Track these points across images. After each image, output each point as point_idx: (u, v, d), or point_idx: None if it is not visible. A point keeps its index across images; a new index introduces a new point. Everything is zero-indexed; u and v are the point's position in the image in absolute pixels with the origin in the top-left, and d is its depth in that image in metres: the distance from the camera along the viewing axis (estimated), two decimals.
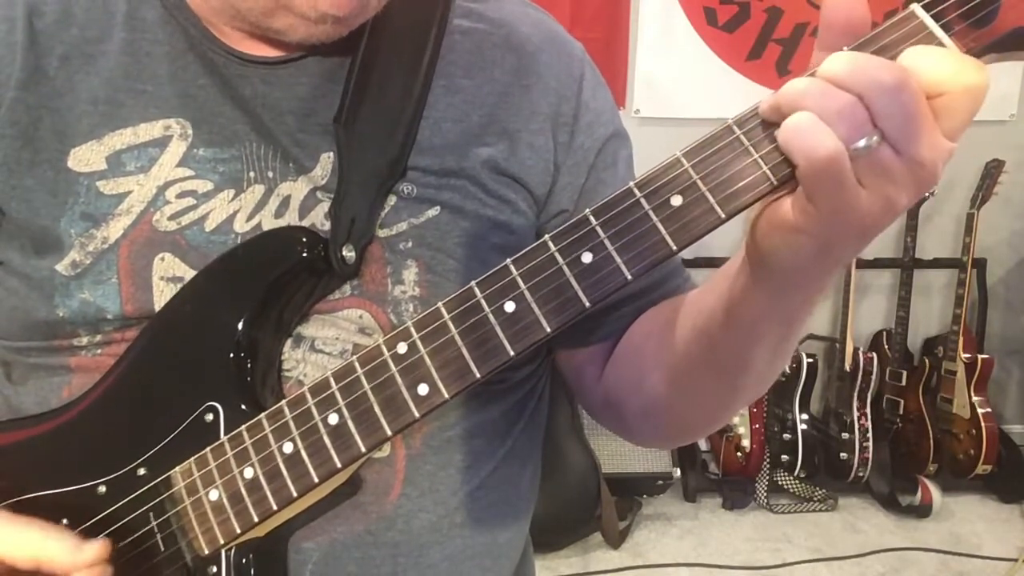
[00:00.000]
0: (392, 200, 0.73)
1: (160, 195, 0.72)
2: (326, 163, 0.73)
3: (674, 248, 0.55)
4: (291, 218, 0.73)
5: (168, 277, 0.71)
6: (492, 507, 0.80)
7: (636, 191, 0.56)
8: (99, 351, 0.72)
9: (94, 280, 0.71)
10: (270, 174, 0.73)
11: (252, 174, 0.73)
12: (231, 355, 0.69)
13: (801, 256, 0.53)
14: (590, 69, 0.83)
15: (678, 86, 2.87)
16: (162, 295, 0.71)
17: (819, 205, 0.50)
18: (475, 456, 0.78)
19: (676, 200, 0.55)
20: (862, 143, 0.48)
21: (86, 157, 0.73)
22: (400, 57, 0.75)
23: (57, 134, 0.73)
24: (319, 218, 0.72)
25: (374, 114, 0.73)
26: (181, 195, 0.72)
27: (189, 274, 0.71)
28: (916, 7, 0.52)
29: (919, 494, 2.85)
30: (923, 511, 2.83)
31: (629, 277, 0.56)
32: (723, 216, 0.54)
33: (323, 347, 0.72)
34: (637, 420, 0.79)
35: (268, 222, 0.72)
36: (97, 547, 0.65)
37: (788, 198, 0.53)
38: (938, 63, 0.49)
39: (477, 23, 0.80)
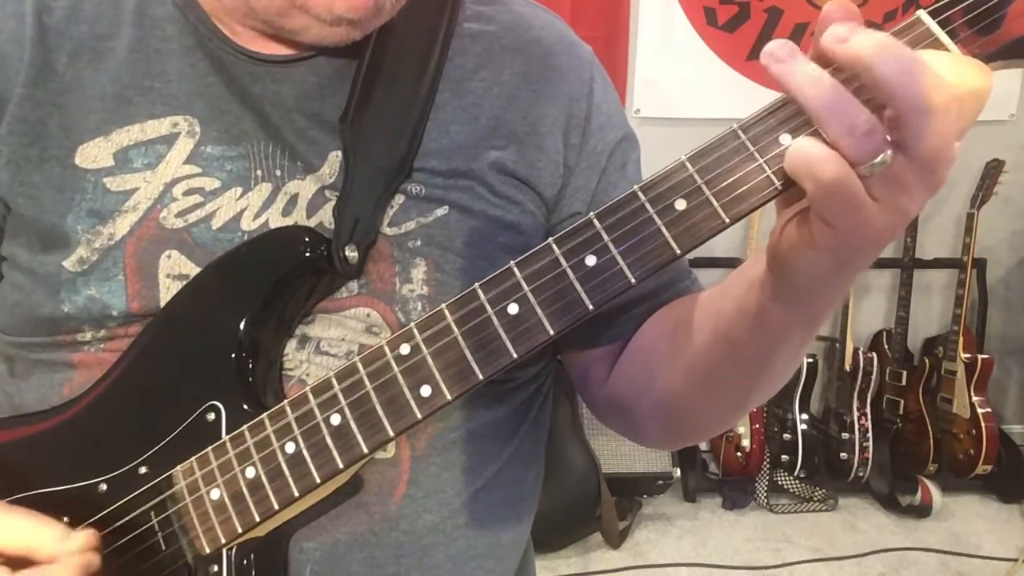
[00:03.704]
0: (400, 199, 0.73)
1: (167, 192, 0.72)
2: (334, 161, 0.73)
3: (678, 252, 0.55)
4: (298, 216, 0.72)
5: (174, 275, 0.71)
6: (496, 508, 0.80)
7: (640, 195, 0.56)
8: (102, 346, 0.72)
9: (100, 276, 0.71)
10: (278, 172, 0.73)
11: (259, 172, 0.73)
12: (233, 355, 0.69)
13: (820, 270, 0.54)
14: (599, 72, 0.83)
15: (678, 86, 2.87)
16: (168, 292, 0.71)
17: (833, 224, 0.50)
18: (480, 457, 0.77)
19: (680, 204, 0.55)
20: (878, 159, 0.48)
21: (93, 154, 0.72)
22: (408, 58, 0.75)
23: (65, 130, 0.73)
24: (327, 217, 0.72)
25: (381, 114, 0.73)
26: (188, 192, 0.72)
27: (195, 272, 0.71)
28: (922, 13, 0.51)
29: (919, 494, 2.85)
30: (923, 511, 2.83)
31: (633, 280, 0.56)
32: (727, 220, 0.54)
33: (328, 348, 0.72)
34: (646, 420, 0.79)
35: (275, 220, 0.72)
36: (84, 536, 0.64)
37: (803, 217, 0.52)
38: (943, 68, 0.48)
39: (487, 26, 0.80)
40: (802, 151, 0.49)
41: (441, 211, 0.74)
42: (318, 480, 0.64)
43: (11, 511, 0.66)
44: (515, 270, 0.59)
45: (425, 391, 0.61)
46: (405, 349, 0.62)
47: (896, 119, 0.47)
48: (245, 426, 0.66)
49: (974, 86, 0.49)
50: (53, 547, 0.63)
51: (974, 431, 2.82)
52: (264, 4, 0.69)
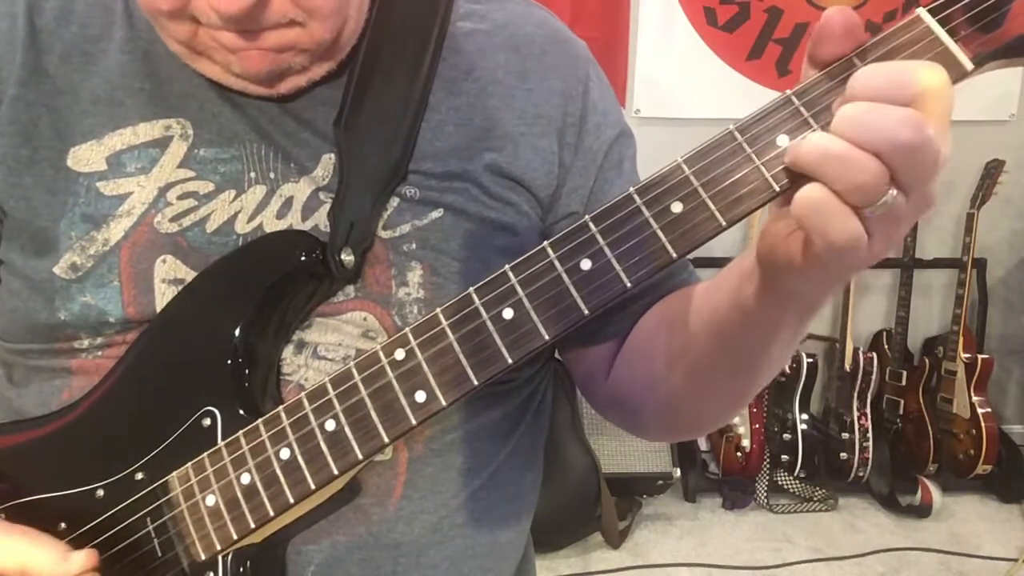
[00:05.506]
0: (395, 202, 0.73)
1: (161, 196, 0.72)
2: (327, 164, 0.73)
3: (674, 256, 0.55)
4: (293, 219, 0.72)
5: (170, 279, 0.71)
6: (494, 508, 0.80)
7: (636, 197, 0.55)
8: (100, 353, 0.72)
9: (95, 283, 0.71)
10: (272, 175, 0.73)
11: (253, 174, 0.72)
12: (228, 360, 0.68)
13: (810, 285, 0.54)
14: (594, 69, 0.83)
15: (678, 86, 2.87)
16: (164, 298, 0.70)
17: (830, 264, 0.50)
18: (477, 458, 0.77)
19: (676, 207, 0.54)
20: (880, 202, 0.47)
21: (86, 157, 0.72)
22: (401, 60, 0.75)
23: (57, 133, 0.72)
24: (322, 220, 0.72)
25: (374, 117, 0.72)
26: (182, 196, 0.72)
27: (191, 276, 0.71)
28: (922, 12, 0.51)
29: (919, 494, 2.85)
30: (923, 511, 2.83)
31: (628, 285, 0.56)
32: (724, 224, 0.53)
33: (325, 353, 0.72)
34: (650, 415, 0.79)
35: (270, 223, 0.72)
36: (84, 557, 0.64)
37: (796, 239, 0.52)
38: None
39: (479, 24, 0.79)
40: (816, 205, 0.47)
41: (436, 214, 0.73)
42: (313, 486, 0.63)
43: (9, 530, 0.66)
44: (510, 274, 0.59)
45: (420, 397, 0.61)
46: (400, 354, 0.61)
47: (888, 164, 0.47)
48: (240, 432, 0.66)
49: (928, 86, 0.47)
50: (51, 569, 0.63)
51: (974, 431, 2.82)
52: (174, 48, 0.68)
